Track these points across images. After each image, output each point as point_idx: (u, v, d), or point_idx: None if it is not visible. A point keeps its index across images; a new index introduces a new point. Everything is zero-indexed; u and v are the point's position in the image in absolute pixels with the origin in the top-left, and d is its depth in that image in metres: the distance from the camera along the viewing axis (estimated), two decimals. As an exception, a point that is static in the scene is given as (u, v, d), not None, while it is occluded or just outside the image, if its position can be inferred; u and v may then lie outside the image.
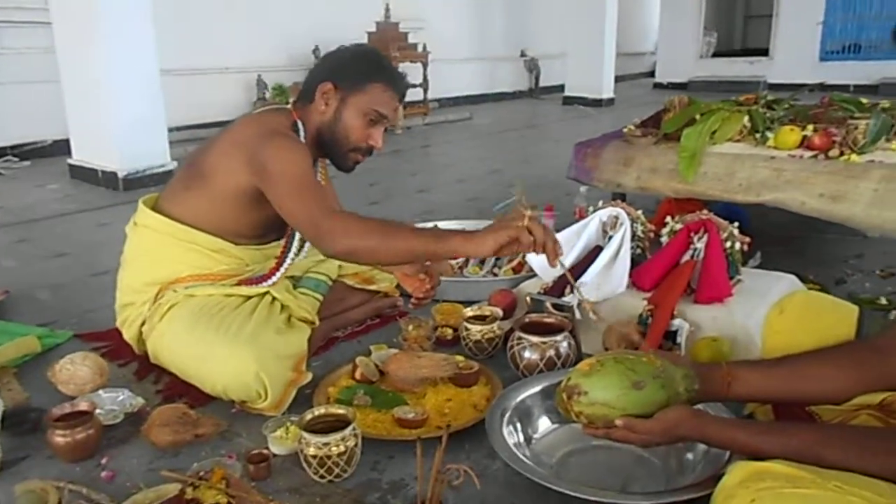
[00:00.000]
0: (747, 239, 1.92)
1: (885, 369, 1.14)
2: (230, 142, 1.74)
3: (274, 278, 1.88)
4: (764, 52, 10.69)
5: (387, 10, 6.84)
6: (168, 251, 1.82)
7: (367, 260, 1.65)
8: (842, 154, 2.32)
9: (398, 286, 2.18)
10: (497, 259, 2.63)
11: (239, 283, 1.86)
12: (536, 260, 2.11)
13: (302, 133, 1.79)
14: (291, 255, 1.90)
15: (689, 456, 1.36)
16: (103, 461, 1.50)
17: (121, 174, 4.17)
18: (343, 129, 1.76)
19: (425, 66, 7.26)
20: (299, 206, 1.60)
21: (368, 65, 1.78)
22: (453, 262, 2.60)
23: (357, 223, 1.54)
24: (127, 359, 1.94)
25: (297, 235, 1.89)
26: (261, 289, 1.85)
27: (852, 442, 1.00)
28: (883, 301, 2.25)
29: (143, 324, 1.83)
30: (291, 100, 1.91)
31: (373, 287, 2.20)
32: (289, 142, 1.68)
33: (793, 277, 2.04)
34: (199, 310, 1.73)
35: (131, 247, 1.89)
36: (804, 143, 2.43)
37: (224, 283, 1.84)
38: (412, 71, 7.14)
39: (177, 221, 1.80)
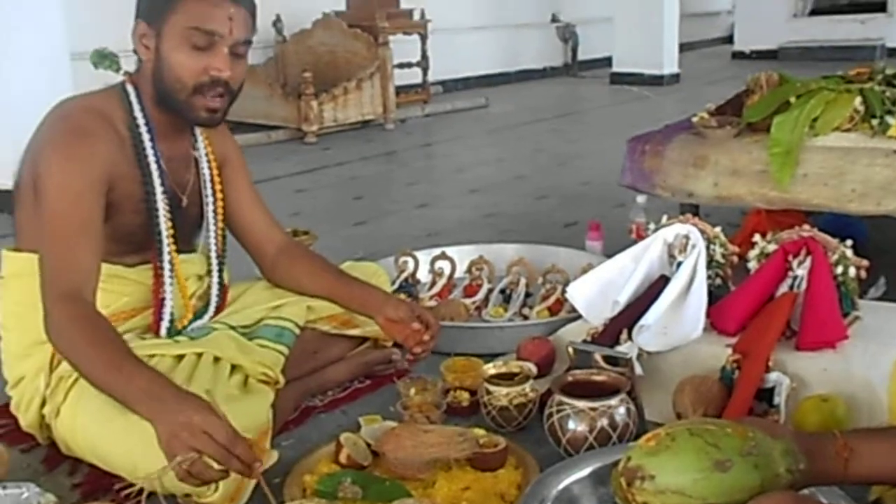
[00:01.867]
0: (865, 262, 1.93)
1: None
2: (32, 144, 1.82)
3: (164, 315, 1.91)
4: (881, 8, 10.76)
5: (371, -34, 6.95)
6: None
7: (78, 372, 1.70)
8: None
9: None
10: (527, 296, 2.65)
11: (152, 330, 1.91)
12: (581, 296, 2.13)
13: (134, 101, 1.84)
14: (168, 262, 1.90)
15: (795, 559, 1.36)
16: (3, 582, 1.51)
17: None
18: (170, 71, 1.77)
19: (424, 38, 7.33)
20: (43, 266, 1.69)
21: None
22: (468, 301, 2.62)
23: (70, 325, 1.62)
24: (30, 443, 1.96)
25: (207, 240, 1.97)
26: (196, 347, 1.87)
27: None
28: None
29: (43, 404, 1.85)
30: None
31: (355, 332, 2.20)
32: (65, 156, 1.73)
33: (928, 312, 2.05)
34: None
35: (6, 307, 1.92)
36: (938, 131, 2.45)
37: (133, 325, 1.88)
38: (407, 46, 7.24)
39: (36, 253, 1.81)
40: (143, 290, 1.92)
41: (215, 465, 1.43)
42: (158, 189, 1.86)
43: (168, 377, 1.61)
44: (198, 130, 1.98)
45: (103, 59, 2.03)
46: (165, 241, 1.89)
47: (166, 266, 1.90)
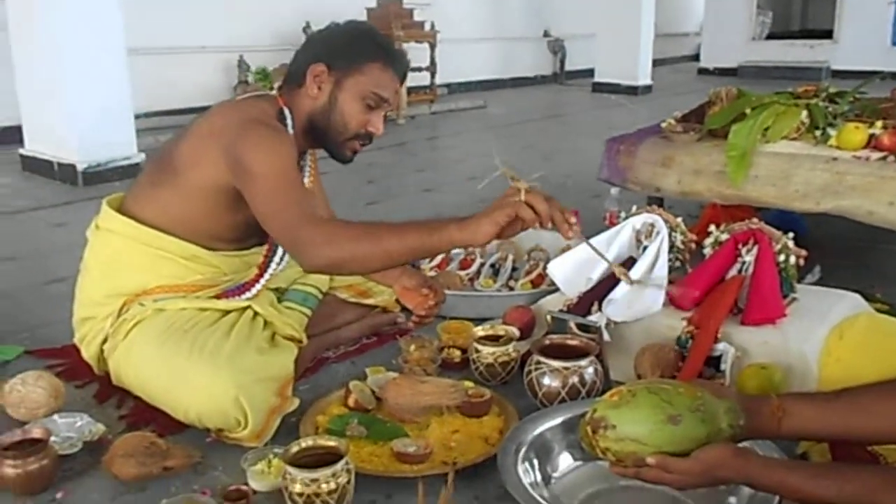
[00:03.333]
0: (804, 252, 1.94)
1: (961, 405, 1.15)
2: (205, 132, 1.77)
3: (255, 289, 1.91)
4: (827, 35, 10.70)
5: (389, -18, 6.90)
6: (134, 259, 1.84)
7: (357, 269, 1.70)
8: (915, 156, 2.33)
9: (398, 301, 2.21)
10: (513, 270, 2.65)
11: (216, 296, 1.88)
12: (559, 272, 2.13)
13: (290, 122, 1.82)
14: (275, 262, 1.93)
15: (732, 500, 1.37)
16: (59, 495, 1.52)
17: (80, 167, 4.20)
18: (340, 116, 1.80)
19: (433, 46, 7.30)
20: (276, 209, 1.62)
21: (365, 42, 1.81)
22: (462, 273, 2.63)
23: (342, 229, 1.58)
24: (86, 379, 1.97)
25: None
26: (240, 302, 1.87)
27: (920, 487, 1.02)
28: (961, 326, 2.26)
29: (104, 341, 1.85)
30: (276, 85, 1.95)
31: (369, 301, 2.22)
32: (271, 134, 1.71)
33: (856, 296, 2.05)
34: (169, 326, 1.75)
35: (92, 253, 1.92)
36: (871, 143, 2.45)
37: (198, 295, 1.86)
38: (418, 52, 7.20)
39: (144, 224, 1.83)
40: (215, 272, 1.90)
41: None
42: None
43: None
44: (308, 151, 1.97)
45: (265, 77, 2.07)
46: None
47: (275, 260, 1.93)
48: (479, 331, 2.01)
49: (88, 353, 1.91)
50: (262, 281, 1.93)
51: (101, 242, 1.90)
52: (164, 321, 1.77)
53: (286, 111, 1.83)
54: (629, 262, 2.03)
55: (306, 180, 1.97)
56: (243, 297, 1.89)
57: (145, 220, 1.83)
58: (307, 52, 1.84)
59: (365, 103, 1.80)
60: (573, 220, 1.46)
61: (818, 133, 2.56)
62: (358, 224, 1.59)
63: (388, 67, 1.81)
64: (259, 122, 1.73)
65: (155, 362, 1.71)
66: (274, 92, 1.89)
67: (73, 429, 1.70)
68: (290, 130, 1.82)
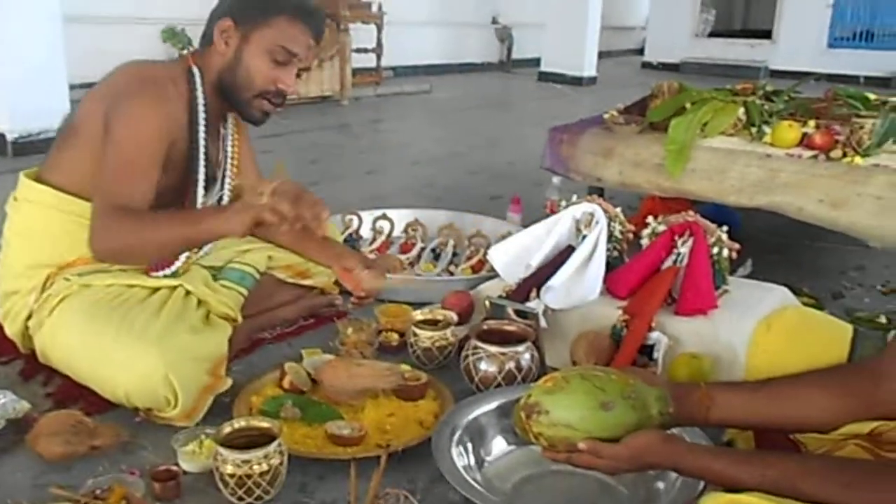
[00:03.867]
0: (736, 245, 1.98)
1: (878, 396, 1.19)
2: (102, 93, 1.76)
3: (178, 262, 1.88)
4: (766, 35, 10.98)
5: (337, -39, 6.81)
6: (53, 227, 1.79)
7: (131, 260, 1.75)
8: (844, 155, 2.41)
9: (337, 282, 2.19)
10: (454, 255, 2.66)
11: (143, 271, 1.85)
12: (499, 258, 2.15)
13: (198, 81, 1.80)
14: None
15: (660, 485, 1.41)
16: (-21, 474, 1.48)
17: (10, 136, 4.09)
18: (245, 72, 1.77)
19: (379, 28, 7.26)
20: (102, 187, 1.67)
21: None
22: (403, 257, 2.63)
23: (117, 221, 1.62)
24: (10, 356, 1.91)
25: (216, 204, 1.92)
26: (170, 281, 1.84)
27: (834, 475, 1.05)
28: (882, 320, 2.35)
29: (28, 317, 1.80)
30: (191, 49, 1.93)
31: (308, 282, 2.20)
32: (143, 104, 1.70)
33: (784, 290, 2.11)
34: (96, 302, 1.71)
35: (11, 225, 1.87)
36: (804, 141, 2.52)
37: (125, 268, 1.82)
38: (365, 34, 7.16)
39: (60, 191, 1.78)
40: None
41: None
42: (202, 159, 1.83)
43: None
44: (230, 115, 1.94)
45: (173, 36, 2.01)
46: (199, 202, 1.85)
47: None
48: (418, 315, 2.01)
49: (12, 330, 1.85)
50: (180, 261, 1.88)
51: (19, 214, 1.85)
52: (91, 297, 1.72)
53: (194, 70, 1.80)
54: (568, 251, 2.05)
55: (229, 148, 1.95)
56: (170, 269, 1.86)
57: (60, 186, 1.79)
58: (217, 9, 1.80)
59: (272, 58, 1.76)
60: (325, 215, 1.54)
61: (754, 130, 2.62)
62: (133, 215, 1.63)
63: (296, 20, 1.77)
64: (141, 87, 1.72)
65: (82, 340, 1.67)
66: (185, 53, 1.87)
67: (-5, 406, 1.65)
68: (199, 90, 1.79)
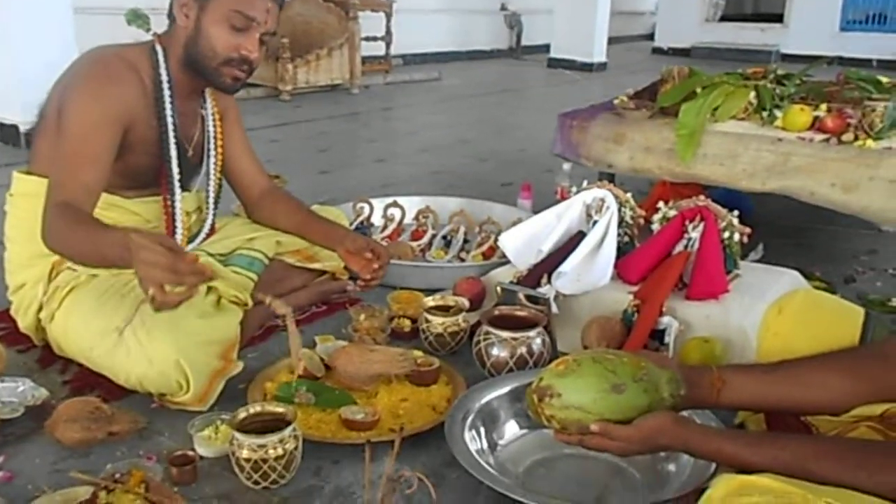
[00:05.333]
0: (748, 230, 1.98)
1: (889, 378, 1.20)
2: (61, 80, 1.79)
3: (177, 238, 1.89)
4: (778, 19, 10.88)
5: (345, -52, 6.79)
6: None
7: (73, 262, 1.72)
8: (856, 139, 2.40)
9: (346, 266, 2.19)
10: (465, 242, 2.67)
11: None
12: (510, 244, 2.15)
13: (161, 59, 1.81)
14: (178, 202, 1.89)
15: (671, 467, 1.42)
16: (0, 460, 1.50)
17: (23, 128, 4.09)
18: (206, 41, 1.76)
19: (388, 16, 7.24)
20: (53, 176, 1.66)
21: None
22: (414, 244, 2.63)
23: (56, 221, 1.59)
24: (27, 344, 1.93)
25: (205, 186, 1.96)
26: None
27: (846, 456, 1.06)
28: (894, 303, 2.35)
29: (39, 309, 1.83)
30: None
31: (316, 265, 2.20)
32: (91, 91, 1.70)
33: (795, 274, 2.11)
34: (105, 291, 1.73)
35: (13, 221, 1.89)
36: (815, 125, 2.52)
37: None
38: (374, 22, 7.14)
39: (45, 178, 1.77)
40: (137, 220, 1.89)
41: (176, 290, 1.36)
42: (171, 138, 1.83)
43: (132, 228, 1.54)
44: (207, 92, 1.95)
45: (137, 17, 2.00)
46: (176, 182, 1.87)
47: (177, 203, 1.89)
48: (430, 301, 2.02)
49: (25, 323, 1.88)
50: (178, 230, 1.90)
51: (17, 208, 1.88)
52: (100, 286, 1.75)
53: (157, 49, 1.81)
54: (579, 236, 2.06)
55: (211, 128, 1.96)
56: None
57: (44, 173, 1.78)
58: None
59: (230, 24, 1.74)
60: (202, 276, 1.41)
61: (765, 114, 2.61)
62: (73, 221, 1.57)
63: None
64: (90, 73, 1.73)
65: (93, 329, 1.69)
66: (150, 34, 1.87)
67: (14, 394, 1.67)
68: (162, 68, 1.80)
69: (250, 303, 1.95)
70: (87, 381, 1.76)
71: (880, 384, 1.20)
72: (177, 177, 1.86)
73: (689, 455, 1.28)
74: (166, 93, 1.81)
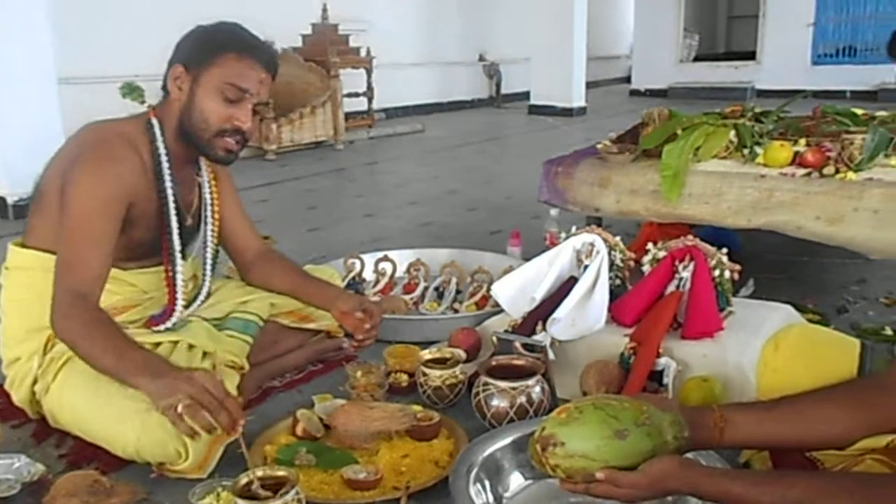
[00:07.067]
0: (737, 266, 2.00)
1: (892, 409, 1.19)
2: (59, 158, 1.79)
3: (176, 311, 1.89)
4: (751, 56, 11.11)
5: (324, 10, 6.90)
6: (44, 288, 1.77)
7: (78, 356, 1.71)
8: (837, 171, 2.43)
9: (341, 325, 2.19)
10: (458, 293, 2.67)
11: (144, 325, 1.86)
12: (503, 293, 2.15)
13: (158, 132, 1.81)
14: (179, 273, 1.89)
15: (680, 512, 1.40)
16: (-3, 541, 1.47)
17: (10, 199, 4.11)
18: (199, 113, 1.77)
19: (369, 72, 7.34)
20: (60, 256, 1.68)
21: (218, 36, 1.79)
22: (407, 297, 2.63)
23: (70, 314, 1.63)
24: (22, 419, 1.91)
25: (202, 252, 1.96)
26: (173, 335, 1.85)
27: (857, 491, 1.05)
28: (888, 332, 2.36)
29: (34, 382, 1.81)
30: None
31: (311, 326, 2.20)
32: (94, 173, 1.71)
33: (788, 308, 2.12)
34: None
35: (8, 294, 1.88)
36: (796, 160, 2.54)
37: (123, 320, 1.83)
38: (355, 78, 7.23)
39: (43, 252, 1.80)
40: (134, 290, 1.89)
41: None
42: (172, 210, 1.84)
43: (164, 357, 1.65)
44: (201, 159, 1.95)
45: (132, 91, 2.03)
46: (177, 254, 1.87)
47: (179, 273, 1.89)
48: (426, 354, 2.01)
49: (19, 396, 1.86)
50: (179, 300, 1.89)
51: (12, 282, 1.87)
52: None
53: (153, 122, 1.82)
54: (571, 282, 2.06)
55: (207, 195, 1.97)
56: (169, 322, 1.87)
57: (41, 247, 1.81)
58: (171, 57, 1.82)
59: (223, 96, 1.75)
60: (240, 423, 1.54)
61: (746, 151, 2.64)
62: (96, 317, 1.65)
63: (244, 56, 1.76)
64: (97, 149, 1.74)
65: (89, 400, 1.68)
66: (145, 107, 1.89)
67: (10, 470, 1.64)
68: (159, 141, 1.81)
69: (247, 366, 1.93)
70: (84, 453, 1.74)
71: (883, 415, 1.20)
72: (178, 247, 1.87)
73: (698, 498, 1.27)
74: (165, 167, 1.82)
